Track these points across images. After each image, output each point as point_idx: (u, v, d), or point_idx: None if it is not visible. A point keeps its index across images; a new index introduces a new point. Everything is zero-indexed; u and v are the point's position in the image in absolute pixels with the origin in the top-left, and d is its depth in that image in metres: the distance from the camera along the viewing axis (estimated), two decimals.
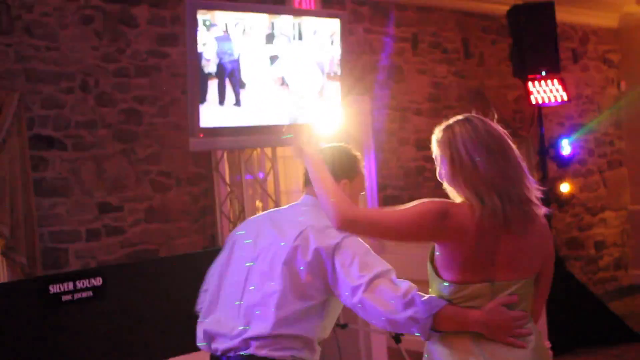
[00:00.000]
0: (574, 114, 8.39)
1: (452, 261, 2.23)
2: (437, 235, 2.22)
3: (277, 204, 5.05)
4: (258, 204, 5.57)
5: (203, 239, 5.33)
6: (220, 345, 2.55)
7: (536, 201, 2.25)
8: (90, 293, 3.73)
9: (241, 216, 5.11)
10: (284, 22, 4.49)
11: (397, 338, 4.53)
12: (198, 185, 5.38)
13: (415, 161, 6.79)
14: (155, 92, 5.21)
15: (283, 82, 4.51)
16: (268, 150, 5.23)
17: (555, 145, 7.28)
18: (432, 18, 7.05)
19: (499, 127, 2.30)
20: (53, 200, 4.77)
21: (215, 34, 4.21)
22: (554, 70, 6.85)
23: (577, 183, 8.34)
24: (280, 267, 2.49)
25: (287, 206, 2.79)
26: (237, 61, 4.30)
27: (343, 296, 2.45)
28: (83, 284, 3.72)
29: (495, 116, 2.37)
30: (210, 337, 2.59)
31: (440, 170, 2.33)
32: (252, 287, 2.54)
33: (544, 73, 6.82)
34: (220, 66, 4.24)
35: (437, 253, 2.26)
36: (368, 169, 6.39)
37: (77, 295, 3.69)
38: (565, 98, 6.99)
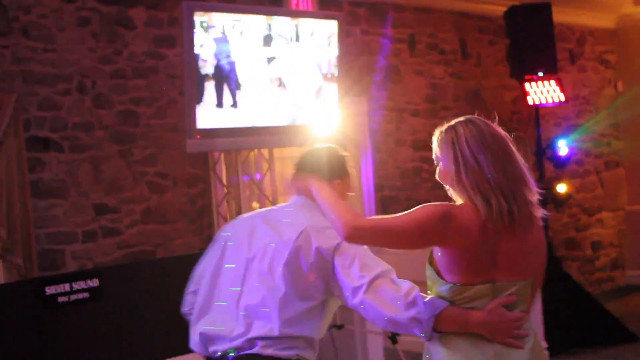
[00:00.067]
0: (571, 115, 8.40)
1: (455, 263, 2.23)
2: (442, 239, 2.21)
3: (274, 205, 5.05)
4: (255, 205, 5.56)
5: (200, 240, 5.33)
6: (219, 347, 2.53)
7: (536, 204, 2.27)
8: (86, 294, 3.73)
9: None
10: (282, 24, 4.49)
11: (393, 338, 4.54)
12: (195, 186, 5.38)
13: (412, 162, 6.80)
14: (152, 94, 5.21)
15: (280, 84, 4.52)
16: (265, 152, 5.23)
17: (552, 146, 7.28)
18: (429, 19, 7.05)
19: (500, 129, 2.31)
20: (50, 202, 4.77)
21: (213, 36, 4.21)
22: (551, 70, 6.85)
23: (574, 183, 8.35)
24: (282, 268, 2.48)
25: (276, 207, 2.78)
26: (234, 62, 4.31)
27: (343, 297, 2.45)
28: (79, 285, 3.72)
29: (497, 118, 2.37)
30: (207, 339, 2.56)
31: (441, 170, 2.33)
32: (251, 287, 2.53)
33: (541, 74, 6.82)
34: (218, 68, 4.24)
35: (438, 254, 2.26)
36: (365, 170, 6.40)
37: (73, 297, 3.70)
38: (563, 99, 6.99)
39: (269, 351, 2.46)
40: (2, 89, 4.58)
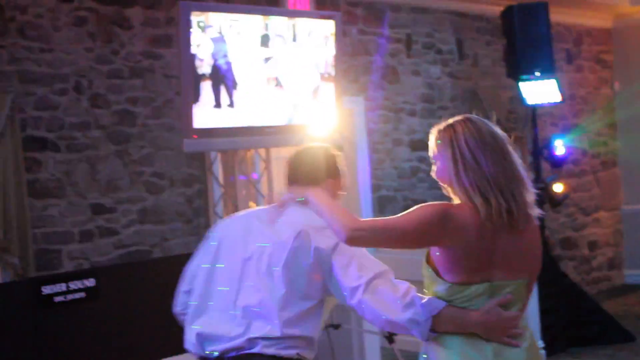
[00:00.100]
0: (568, 115, 8.41)
1: (454, 262, 2.23)
2: (441, 238, 2.21)
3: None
4: (252, 205, 5.55)
5: (197, 240, 5.29)
6: (218, 347, 2.52)
7: (532, 203, 2.27)
8: (83, 294, 3.73)
9: None
10: (279, 24, 4.49)
11: (390, 338, 4.53)
12: (191, 186, 5.38)
13: (409, 162, 6.80)
14: (149, 94, 5.21)
15: (277, 83, 4.52)
16: (262, 151, 5.22)
17: (548, 146, 7.28)
18: (426, 19, 7.05)
19: (498, 129, 2.31)
20: (46, 202, 4.76)
21: (210, 35, 4.21)
22: (548, 70, 6.85)
23: (570, 183, 8.35)
24: (281, 268, 2.48)
25: (269, 206, 2.76)
26: (231, 62, 4.31)
27: (341, 297, 2.45)
28: (76, 285, 3.71)
29: (494, 118, 2.37)
30: (204, 339, 2.55)
31: (438, 169, 2.33)
32: (248, 287, 2.52)
33: (538, 73, 6.82)
34: (215, 67, 4.24)
35: (436, 254, 2.26)
36: (362, 170, 6.40)
37: (70, 297, 3.69)
38: (559, 98, 7.00)
39: (270, 350, 2.46)
40: None
